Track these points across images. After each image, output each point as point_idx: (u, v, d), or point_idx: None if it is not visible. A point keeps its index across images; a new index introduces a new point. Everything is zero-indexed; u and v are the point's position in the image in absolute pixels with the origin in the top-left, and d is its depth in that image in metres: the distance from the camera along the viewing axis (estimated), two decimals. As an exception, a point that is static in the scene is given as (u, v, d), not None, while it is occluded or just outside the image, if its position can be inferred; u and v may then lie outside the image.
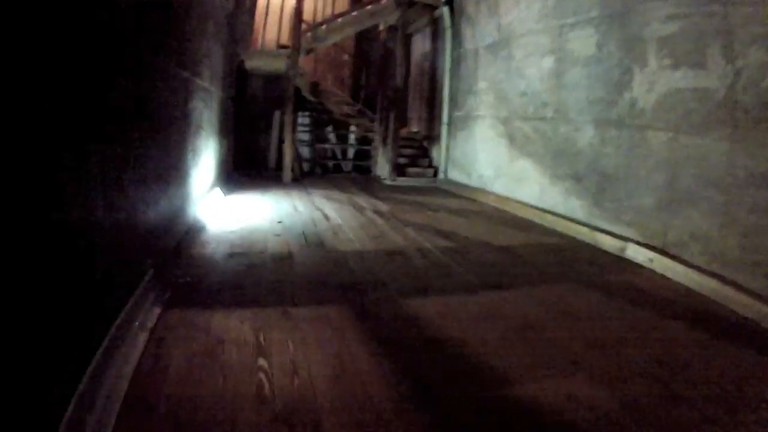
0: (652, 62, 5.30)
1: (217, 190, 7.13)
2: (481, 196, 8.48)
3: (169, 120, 4.02)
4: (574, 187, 6.51)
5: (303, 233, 5.42)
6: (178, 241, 4.57)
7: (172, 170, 4.23)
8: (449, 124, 10.17)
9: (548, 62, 7.04)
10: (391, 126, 9.99)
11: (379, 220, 6.27)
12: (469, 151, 9.40)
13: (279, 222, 5.88)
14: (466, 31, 9.58)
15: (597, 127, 6.13)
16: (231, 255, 4.43)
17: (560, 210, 6.73)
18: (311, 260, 4.43)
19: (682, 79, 4.94)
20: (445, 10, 10.09)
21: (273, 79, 10.86)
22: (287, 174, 9.40)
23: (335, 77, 12.08)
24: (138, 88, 3.07)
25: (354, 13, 10.13)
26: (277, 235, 5.27)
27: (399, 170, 10.08)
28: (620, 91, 5.75)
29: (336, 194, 8.11)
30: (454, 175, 9.95)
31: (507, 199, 7.85)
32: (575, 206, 6.46)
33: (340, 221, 6.12)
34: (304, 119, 11.13)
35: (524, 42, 7.65)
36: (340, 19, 10.04)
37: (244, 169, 10.28)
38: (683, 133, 4.91)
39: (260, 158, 11.36)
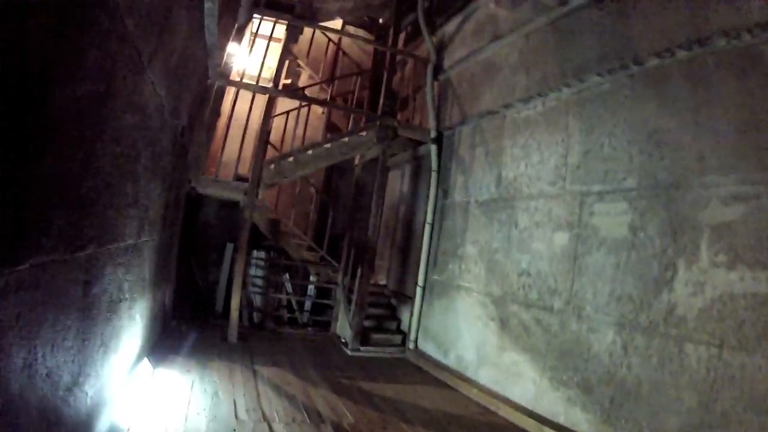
0: (704, 257, 4.28)
1: (145, 364, 5.74)
2: (462, 385, 7.01)
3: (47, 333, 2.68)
4: (580, 397, 5.25)
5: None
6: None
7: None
8: (425, 287, 8.86)
9: (562, 238, 5.90)
10: (358, 283, 8.71)
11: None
12: (447, 325, 8.04)
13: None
14: (457, 179, 8.52)
15: (620, 332, 4.96)
16: None
17: (560, 419, 5.44)
18: None
19: (738, 281, 3.97)
20: (432, 149, 9.09)
21: (228, 205, 9.75)
22: (233, 331, 8.04)
23: (299, 213, 10.92)
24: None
25: (327, 146, 9.03)
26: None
27: (363, 335, 8.70)
28: (657, 291, 4.65)
29: (288, 379, 6.54)
30: (427, 347, 8.53)
31: (493, 395, 6.43)
32: (580, 419, 5.19)
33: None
34: (259, 260, 10.01)
35: (532, 206, 6.53)
36: (310, 151, 8.93)
37: (188, 314, 8.99)
38: (729, 348, 3.94)
39: (208, 297, 10.20)
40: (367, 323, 9.01)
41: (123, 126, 3.61)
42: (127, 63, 3.38)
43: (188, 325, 8.49)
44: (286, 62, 9.81)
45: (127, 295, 4.70)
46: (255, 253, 10.09)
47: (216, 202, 10.55)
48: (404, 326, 9.36)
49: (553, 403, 5.61)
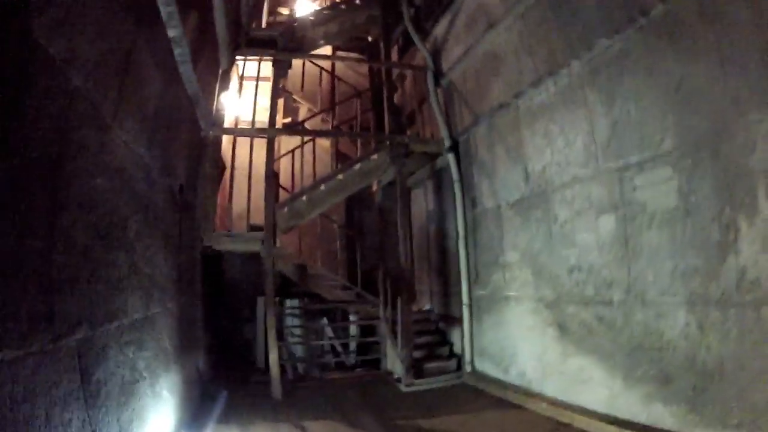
0: (764, 206, 3.79)
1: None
2: (528, 401, 6.47)
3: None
4: (660, 391, 4.74)
5: None
6: None
7: None
8: (471, 305, 8.36)
9: (608, 223, 5.40)
10: (401, 314, 8.26)
11: None
12: (502, 339, 7.53)
13: None
14: (482, 184, 8.07)
15: (692, 310, 4.44)
16: None
17: (641, 419, 4.91)
18: None
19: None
20: (450, 158, 8.67)
21: (252, 258, 9.44)
22: (275, 388, 7.61)
23: (325, 253, 10.55)
24: None
25: (340, 177, 8.65)
26: None
27: (415, 367, 8.23)
28: (722, 256, 4.15)
29: (340, 431, 6.08)
30: (485, 367, 8.02)
31: (564, 406, 5.90)
32: (663, 414, 4.68)
33: None
34: (293, 309, 9.72)
35: (569, 195, 6.04)
36: (323, 186, 8.53)
37: (226, 372, 8.60)
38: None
39: (246, 354, 9.85)
40: (417, 354, 8.54)
41: (94, 190, 3.27)
42: (82, 120, 3.05)
43: (228, 387, 8.02)
44: (281, 100, 9.58)
45: (145, 374, 4.34)
46: (288, 302, 9.77)
47: (239, 257, 10.31)
48: (457, 349, 8.86)
49: (631, 404, 5.08)
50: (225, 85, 8.42)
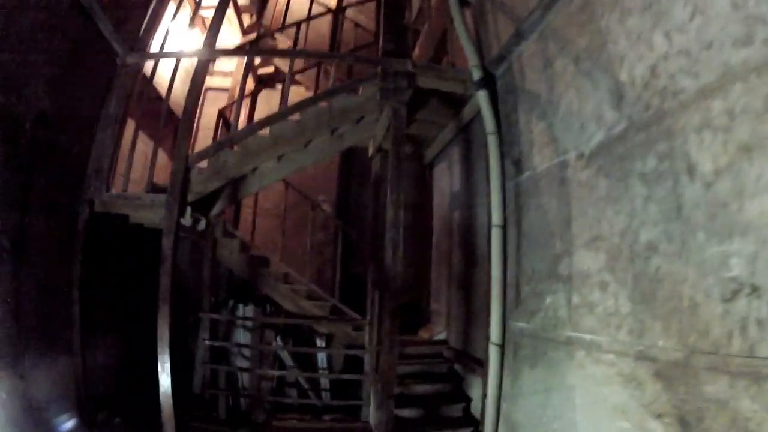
0: None
1: None
2: None
3: None
4: None
5: None
6: None
7: None
8: (503, 345, 4.87)
9: None
10: (384, 346, 5.10)
11: None
12: (552, 417, 4.08)
13: None
14: (532, 131, 4.70)
15: None
16: None
17: None
18: None
19: None
20: (481, 98, 5.31)
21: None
22: (170, 435, 4.89)
23: (298, 245, 7.72)
24: None
25: (295, 117, 5.66)
26: None
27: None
28: None
29: None
30: (518, 455, 4.69)
31: None
32: None
33: None
34: (247, 320, 7.05)
35: (719, 113, 2.58)
36: (267, 131, 5.60)
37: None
38: None
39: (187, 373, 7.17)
40: (410, 412, 5.50)
41: None
42: None
43: (132, 417, 5.76)
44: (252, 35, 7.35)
45: None
46: (241, 309, 7.07)
47: (188, 241, 7.81)
48: (476, 410, 5.59)
49: None
50: (163, 6, 6.64)
